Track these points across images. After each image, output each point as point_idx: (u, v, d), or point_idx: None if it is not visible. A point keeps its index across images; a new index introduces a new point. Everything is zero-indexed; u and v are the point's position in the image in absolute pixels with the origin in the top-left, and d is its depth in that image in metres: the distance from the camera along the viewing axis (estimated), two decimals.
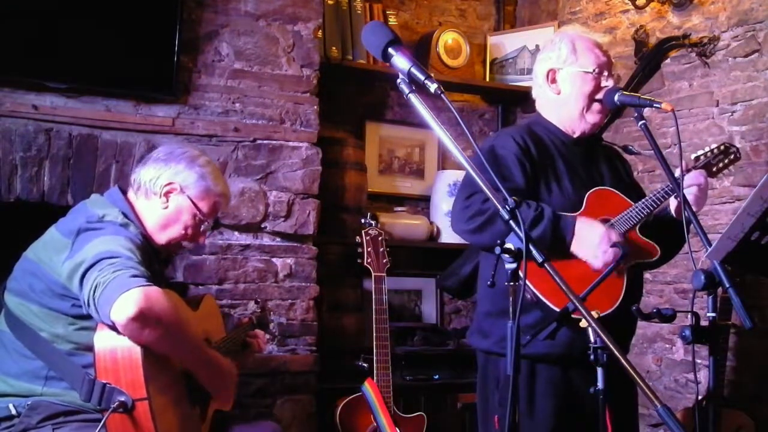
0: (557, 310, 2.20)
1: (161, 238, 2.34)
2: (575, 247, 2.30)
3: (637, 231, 2.39)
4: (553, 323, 1.92)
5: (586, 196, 2.40)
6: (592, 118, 2.49)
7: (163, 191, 2.32)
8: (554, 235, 2.27)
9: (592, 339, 1.79)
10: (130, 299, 1.93)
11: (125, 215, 2.25)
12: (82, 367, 2.09)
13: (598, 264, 2.28)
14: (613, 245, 2.28)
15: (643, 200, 2.38)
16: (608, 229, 2.31)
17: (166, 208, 2.33)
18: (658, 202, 2.37)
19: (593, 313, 1.52)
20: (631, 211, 2.37)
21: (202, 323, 2.40)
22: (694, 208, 2.34)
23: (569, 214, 2.35)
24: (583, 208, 2.39)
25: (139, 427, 2.01)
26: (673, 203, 2.41)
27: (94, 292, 1.97)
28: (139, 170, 2.37)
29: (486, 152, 2.44)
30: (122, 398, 1.99)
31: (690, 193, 2.33)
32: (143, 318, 1.95)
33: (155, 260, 2.31)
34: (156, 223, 2.32)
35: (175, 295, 2.23)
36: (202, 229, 2.39)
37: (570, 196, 2.41)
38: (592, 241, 2.28)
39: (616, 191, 2.45)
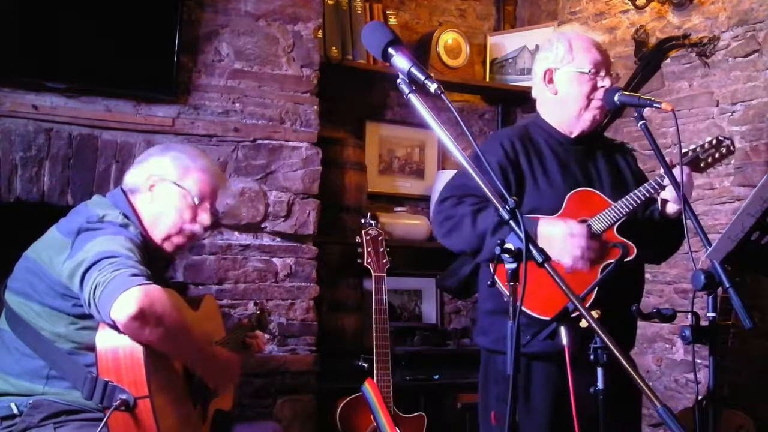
0: (542, 318, 2.20)
1: (158, 234, 2.32)
2: None
3: (615, 230, 2.37)
4: (552, 323, 1.92)
5: (567, 197, 2.39)
6: (590, 117, 2.49)
7: (147, 185, 2.31)
8: None
9: (564, 341, 1.79)
10: (130, 298, 1.93)
11: (126, 216, 2.25)
12: (84, 366, 2.09)
13: (567, 261, 2.25)
14: (614, 245, 2.28)
15: (622, 200, 2.35)
16: (568, 224, 2.28)
17: (153, 201, 2.31)
18: (637, 201, 2.34)
19: (593, 313, 1.52)
20: (609, 211, 2.35)
21: (203, 323, 2.40)
22: (675, 205, 2.33)
23: (533, 217, 2.31)
24: (562, 209, 2.38)
25: (140, 425, 2.01)
26: (660, 203, 2.40)
27: (94, 291, 1.97)
28: (126, 176, 2.38)
29: (473, 157, 2.43)
30: (124, 396, 1.99)
31: (671, 189, 2.30)
32: (144, 316, 1.95)
33: (154, 261, 2.30)
34: (150, 220, 2.30)
35: (175, 294, 2.23)
36: (199, 213, 2.34)
37: (561, 196, 2.40)
38: (555, 240, 2.25)
39: (597, 192, 2.43)
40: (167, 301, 2.02)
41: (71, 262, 2.07)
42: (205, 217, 2.36)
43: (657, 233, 2.45)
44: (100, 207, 2.26)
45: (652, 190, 2.34)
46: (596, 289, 2.26)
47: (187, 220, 2.33)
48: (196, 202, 2.33)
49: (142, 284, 1.97)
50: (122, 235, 2.14)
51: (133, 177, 2.35)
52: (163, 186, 2.32)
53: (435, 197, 4.23)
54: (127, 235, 2.16)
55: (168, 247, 2.36)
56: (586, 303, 2.24)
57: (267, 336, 3.23)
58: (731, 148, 2.46)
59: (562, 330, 1.80)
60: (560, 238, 2.26)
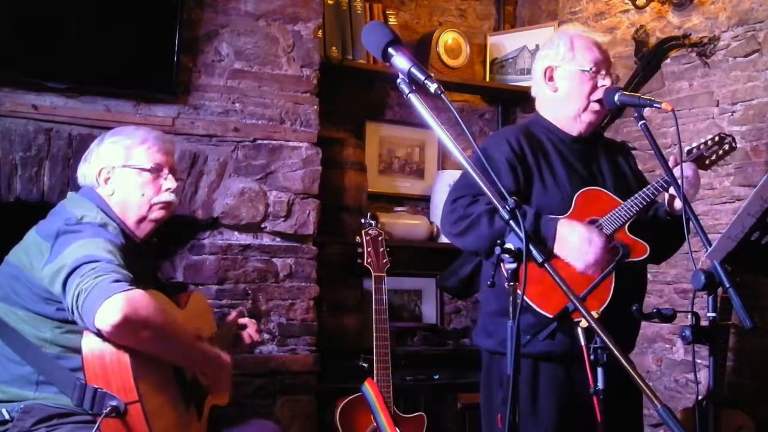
0: (548, 315, 2.20)
1: (132, 219, 2.30)
2: (557, 250, 2.28)
3: (626, 230, 2.37)
4: (553, 323, 1.92)
5: (575, 197, 2.38)
6: (588, 117, 2.48)
7: (103, 180, 2.30)
8: (535, 236, 2.26)
9: (582, 341, 1.79)
10: (113, 306, 1.91)
11: (105, 212, 2.23)
12: (71, 370, 2.07)
13: (580, 266, 2.26)
14: (613, 245, 2.28)
15: (631, 199, 2.36)
16: (589, 230, 2.29)
17: (114, 192, 2.29)
18: (647, 200, 2.35)
19: (593, 313, 1.52)
20: (619, 210, 2.36)
21: (191, 321, 2.38)
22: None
23: (552, 216, 2.32)
24: (571, 209, 2.37)
25: (133, 430, 2.00)
26: (668, 199, 2.40)
27: (77, 299, 1.95)
28: (78, 176, 2.37)
29: (475, 156, 2.43)
30: (114, 403, 1.98)
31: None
32: (128, 324, 1.93)
33: (137, 258, 2.27)
34: (119, 210, 2.29)
35: (160, 296, 2.21)
36: (161, 182, 2.33)
37: (567, 195, 2.40)
38: (572, 243, 2.27)
39: (606, 191, 2.43)
40: (151, 305, 2.00)
41: (51, 266, 2.04)
42: (168, 183, 2.34)
43: (662, 232, 2.44)
44: (78, 206, 2.23)
45: (660, 188, 2.34)
46: (611, 294, 2.27)
47: (152, 195, 2.32)
48: (152, 173, 2.31)
49: (125, 290, 1.95)
50: (101, 237, 2.11)
51: (85, 176, 2.34)
52: (115, 174, 2.30)
53: (435, 197, 4.24)
54: (106, 236, 2.13)
55: (147, 227, 2.34)
56: (600, 304, 2.24)
57: (266, 336, 3.24)
58: (733, 144, 2.49)
59: (579, 330, 1.80)
60: (578, 242, 2.26)
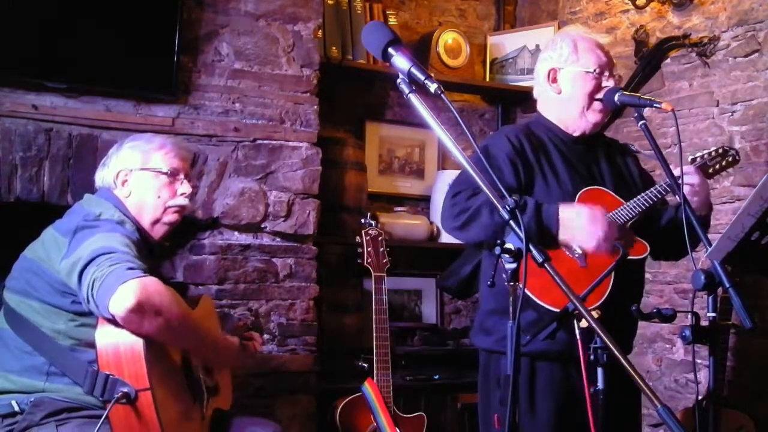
0: (554, 310, 2.19)
1: (147, 221, 2.36)
2: (563, 234, 2.28)
3: (628, 228, 2.38)
4: (553, 323, 1.92)
5: (578, 196, 2.39)
6: (593, 117, 2.49)
7: (120, 183, 2.37)
8: (538, 225, 2.26)
9: (579, 339, 1.79)
10: (127, 291, 1.95)
11: (122, 212, 2.28)
12: (85, 362, 2.11)
13: (591, 245, 2.25)
14: (613, 245, 2.28)
15: (634, 199, 2.37)
16: (591, 208, 2.29)
17: (130, 193, 2.36)
18: (650, 202, 2.36)
19: (593, 313, 1.52)
20: (621, 210, 2.36)
21: (201, 322, 2.41)
22: (693, 203, 2.33)
23: (552, 204, 2.32)
24: None
25: (142, 418, 2.02)
26: (676, 203, 2.41)
27: (92, 287, 1.99)
28: (96, 180, 2.44)
29: (480, 151, 2.43)
30: (125, 389, 2.01)
31: (688, 188, 2.32)
32: (142, 308, 1.96)
33: (149, 257, 2.32)
34: (135, 211, 2.35)
35: (172, 288, 2.24)
36: (176, 186, 2.40)
37: (569, 193, 2.40)
38: (579, 224, 2.26)
39: (608, 190, 2.44)
40: (165, 292, 2.05)
41: (69, 260, 2.09)
42: (184, 188, 2.42)
43: (674, 233, 2.44)
44: (96, 205, 2.30)
45: (665, 191, 2.35)
46: (609, 290, 2.26)
47: (167, 198, 2.38)
48: (168, 177, 2.38)
49: (139, 277, 1.99)
50: (118, 232, 2.17)
51: (102, 179, 2.41)
52: (133, 176, 2.37)
53: (435, 197, 4.25)
54: (123, 232, 2.19)
55: (161, 229, 2.40)
56: (597, 300, 2.24)
57: (266, 336, 3.23)
58: (737, 158, 2.51)
59: (576, 328, 1.80)
60: (584, 222, 2.26)
